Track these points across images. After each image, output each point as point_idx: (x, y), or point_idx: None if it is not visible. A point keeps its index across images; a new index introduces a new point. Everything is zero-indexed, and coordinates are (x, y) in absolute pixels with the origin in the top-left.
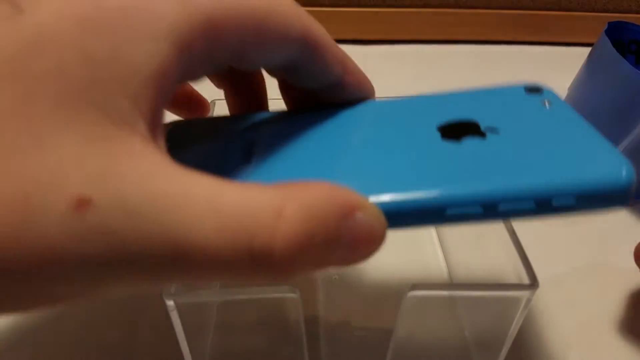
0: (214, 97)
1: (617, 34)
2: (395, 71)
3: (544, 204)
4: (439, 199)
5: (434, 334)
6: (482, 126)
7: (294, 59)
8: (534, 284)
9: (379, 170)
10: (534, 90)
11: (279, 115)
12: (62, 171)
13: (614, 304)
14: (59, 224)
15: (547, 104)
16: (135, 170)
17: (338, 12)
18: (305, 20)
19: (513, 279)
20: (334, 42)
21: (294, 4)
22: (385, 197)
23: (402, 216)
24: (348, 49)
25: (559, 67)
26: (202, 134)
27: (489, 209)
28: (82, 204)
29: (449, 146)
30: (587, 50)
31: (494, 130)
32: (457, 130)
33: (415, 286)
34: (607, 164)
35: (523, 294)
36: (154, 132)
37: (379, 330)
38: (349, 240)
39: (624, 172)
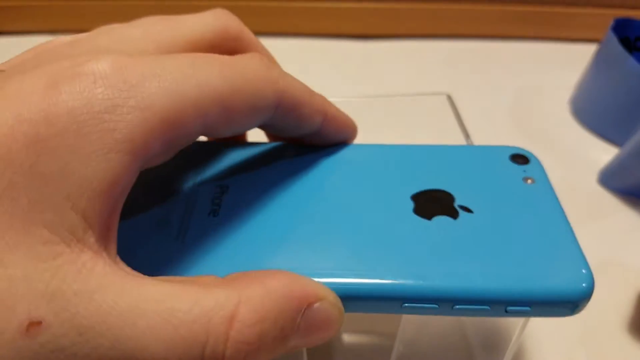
0: None
1: (624, 31)
2: (397, 67)
3: (499, 309)
4: (398, 293)
5: (437, 338)
6: (457, 201)
7: (269, 120)
8: None
9: (344, 245)
10: (520, 158)
11: (255, 156)
12: (12, 293)
13: (622, 305)
14: (10, 347)
15: (529, 181)
16: (85, 287)
17: (338, 8)
18: (279, 83)
19: None
20: (311, 94)
21: (264, 66)
22: (345, 281)
23: (358, 303)
24: (349, 45)
25: (564, 64)
26: (175, 166)
27: (445, 308)
28: (33, 325)
29: (419, 224)
30: (593, 47)
31: (466, 209)
32: (430, 202)
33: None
34: (568, 274)
35: None
36: (107, 240)
37: (382, 336)
38: (305, 330)
39: (583, 285)
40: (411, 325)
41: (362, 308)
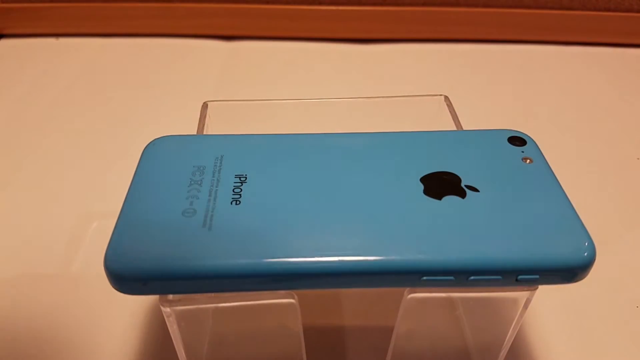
0: (205, 98)
1: None
2: (396, 69)
3: (510, 279)
4: (417, 267)
5: (433, 336)
6: (463, 182)
7: None
8: None
9: (365, 226)
10: (517, 140)
11: (270, 147)
12: None
13: (615, 305)
14: None
15: (527, 160)
16: None
17: (337, 11)
18: None
19: None
20: None
21: None
22: (368, 259)
23: (380, 278)
24: (348, 48)
25: (559, 67)
26: (191, 155)
27: (460, 279)
28: None
29: (431, 204)
30: (588, 50)
31: (473, 189)
32: (439, 184)
33: (415, 287)
34: (571, 244)
35: (522, 295)
36: None
37: (379, 333)
38: None
39: (585, 253)
40: (408, 321)
41: (385, 283)
